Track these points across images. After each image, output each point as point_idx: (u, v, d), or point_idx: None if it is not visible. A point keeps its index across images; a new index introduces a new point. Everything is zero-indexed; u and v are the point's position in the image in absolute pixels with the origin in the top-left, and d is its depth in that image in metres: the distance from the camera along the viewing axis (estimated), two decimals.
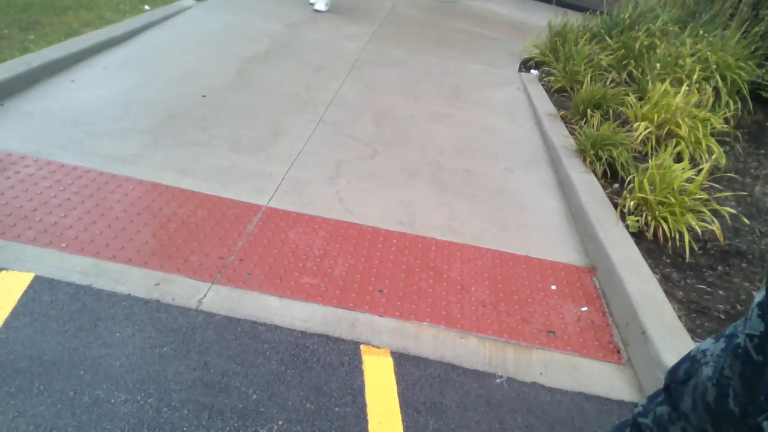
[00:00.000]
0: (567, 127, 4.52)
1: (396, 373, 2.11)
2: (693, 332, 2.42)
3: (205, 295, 2.28)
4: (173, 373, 1.93)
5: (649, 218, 3.09)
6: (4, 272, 2.18)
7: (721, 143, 4.21)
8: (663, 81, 4.56)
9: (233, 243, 2.61)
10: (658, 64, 4.89)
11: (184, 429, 1.76)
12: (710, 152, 3.97)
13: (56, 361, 1.88)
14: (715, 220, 3.13)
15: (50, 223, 2.49)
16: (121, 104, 3.65)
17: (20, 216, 2.49)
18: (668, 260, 2.95)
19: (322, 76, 4.87)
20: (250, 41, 5.34)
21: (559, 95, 5.36)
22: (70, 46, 4.14)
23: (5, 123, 3.18)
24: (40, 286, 2.15)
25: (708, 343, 1.07)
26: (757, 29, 5.25)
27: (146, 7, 5.62)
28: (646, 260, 2.83)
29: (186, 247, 2.53)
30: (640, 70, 5.14)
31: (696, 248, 3.06)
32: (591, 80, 4.90)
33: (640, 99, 4.53)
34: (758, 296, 0.96)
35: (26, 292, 2.12)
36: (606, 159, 3.74)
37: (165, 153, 3.22)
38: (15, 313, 2.02)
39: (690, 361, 1.09)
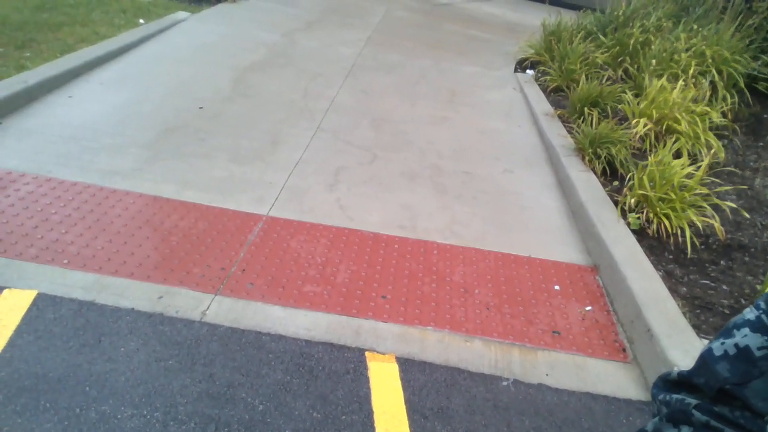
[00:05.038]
0: (565, 126, 4.52)
1: (402, 379, 2.11)
2: (698, 328, 2.41)
3: (208, 307, 2.28)
4: (179, 386, 1.93)
5: (650, 215, 3.09)
6: (6, 290, 2.18)
7: (719, 137, 4.21)
8: (659, 77, 4.57)
9: (235, 253, 2.61)
10: (653, 60, 4.89)
11: None
12: (709, 147, 3.96)
13: (61, 377, 1.88)
14: (715, 214, 3.13)
15: (52, 240, 2.49)
16: (119, 118, 3.66)
17: (21, 234, 2.50)
18: (671, 256, 2.94)
19: (319, 83, 4.88)
20: (245, 51, 5.36)
21: (556, 94, 5.37)
22: (67, 63, 4.15)
23: (4, 141, 3.18)
24: (43, 304, 2.15)
25: (760, 339, 0.94)
26: (750, 21, 5.25)
27: (141, 20, 5.64)
28: (648, 257, 2.82)
29: (188, 259, 2.53)
30: (635, 66, 5.15)
31: (698, 243, 3.05)
32: (587, 78, 4.90)
33: (636, 96, 4.54)
34: None
35: (29, 309, 2.12)
36: (605, 157, 3.74)
37: (164, 166, 3.22)
38: (19, 331, 2.02)
39: (735, 361, 0.95)
